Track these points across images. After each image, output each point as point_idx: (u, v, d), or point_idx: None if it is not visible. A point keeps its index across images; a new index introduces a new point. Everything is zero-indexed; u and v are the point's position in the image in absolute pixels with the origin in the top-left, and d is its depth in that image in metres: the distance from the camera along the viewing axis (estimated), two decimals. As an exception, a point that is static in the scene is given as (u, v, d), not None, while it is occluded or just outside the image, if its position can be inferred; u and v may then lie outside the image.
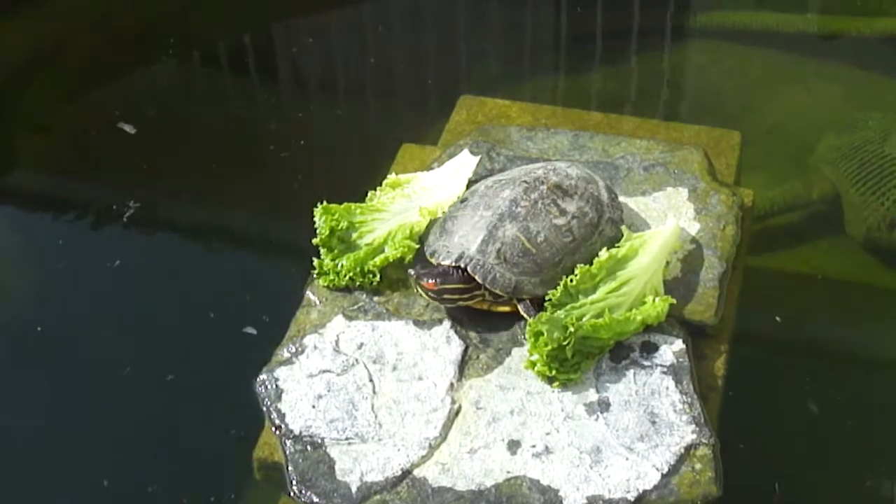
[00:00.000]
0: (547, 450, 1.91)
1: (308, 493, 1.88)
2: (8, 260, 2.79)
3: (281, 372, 2.04)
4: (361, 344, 2.07)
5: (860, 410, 2.40)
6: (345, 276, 2.14)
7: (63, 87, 3.30)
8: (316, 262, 2.14)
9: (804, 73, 3.30)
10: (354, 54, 3.39)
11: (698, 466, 1.89)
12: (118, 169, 3.00)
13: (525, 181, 2.12)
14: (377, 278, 2.14)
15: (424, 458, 1.91)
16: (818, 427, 2.33)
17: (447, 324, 2.09)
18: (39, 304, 2.65)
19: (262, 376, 2.04)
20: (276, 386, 2.01)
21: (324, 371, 2.03)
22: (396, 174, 2.31)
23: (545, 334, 1.97)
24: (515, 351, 2.05)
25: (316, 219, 2.15)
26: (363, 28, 3.44)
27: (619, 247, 2.11)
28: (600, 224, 2.13)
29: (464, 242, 2.07)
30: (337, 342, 2.07)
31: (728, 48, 3.34)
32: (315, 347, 2.07)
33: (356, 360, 2.04)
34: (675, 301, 2.07)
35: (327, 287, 2.15)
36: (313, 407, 1.98)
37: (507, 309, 2.09)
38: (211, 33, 3.50)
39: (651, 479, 1.87)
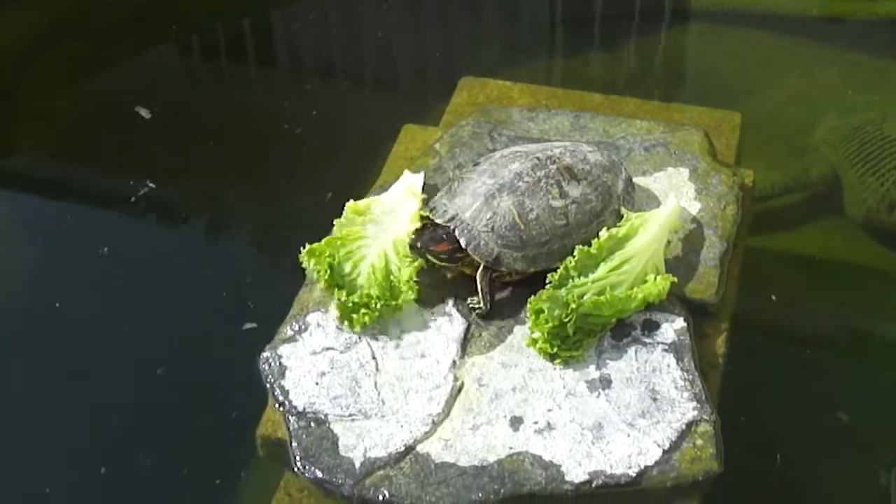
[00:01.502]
0: (549, 426, 1.92)
1: (312, 469, 1.89)
2: (11, 243, 2.79)
3: (284, 349, 2.05)
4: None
5: (858, 388, 2.42)
6: (375, 309, 2.05)
7: (65, 72, 3.29)
8: (337, 307, 2.05)
9: (804, 56, 3.31)
10: (356, 36, 3.39)
11: (699, 443, 1.90)
12: (121, 153, 2.99)
13: (537, 157, 2.14)
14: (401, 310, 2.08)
15: (427, 435, 1.92)
16: (817, 405, 2.34)
17: (450, 302, 2.10)
18: (43, 287, 2.65)
19: (266, 353, 2.05)
20: (280, 363, 2.03)
21: (327, 348, 2.04)
22: (400, 154, 2.33)
23: (546, 311, 1.98)
24: (517, 329, 2.06)
25: (304, 264, 2.11)
26: (365, 10, 3.44)
27: (619, 226, 2.12)
28: (602, 214, 2.13)
29: (461, 205, 2.09)
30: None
31: (728, 31, 3.35)
32: (318, 325, 2.08)
33: (359, 337, 2.06)
34: (676, 279, 2.08)
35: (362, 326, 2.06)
36: (317, 384, 1.99)
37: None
38: (212, 17, 3.50)
39: (652, 455, 1.88)
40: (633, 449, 1.89)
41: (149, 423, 2.30)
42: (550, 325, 1.98)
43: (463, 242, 2.07)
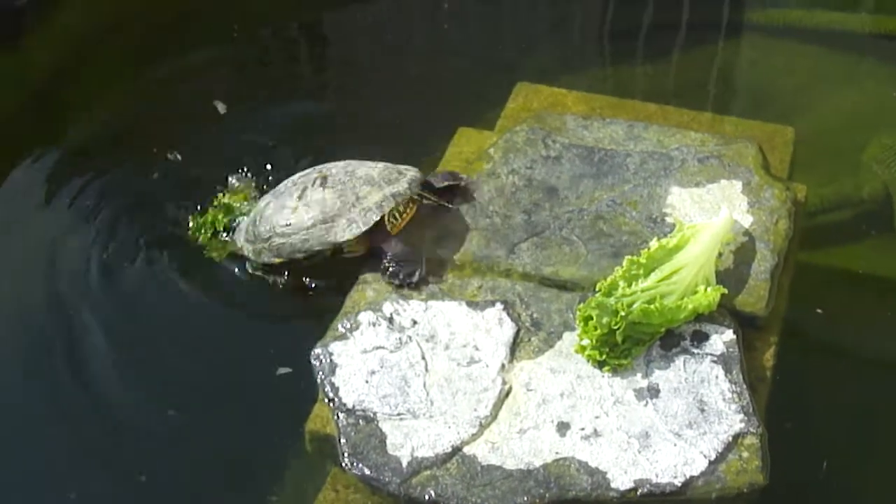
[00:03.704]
0: (595, 433, 1.93)
1: (359, 466, 1.91)
2: (63, 233, 2.80)
3: (335, 346, 2.07)
4: (415, 322, 2.10)
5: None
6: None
7: (128, 64, 3.29)
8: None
9: (857, 73, 3.28)
10: (413, 37, 3.39)
11: (745, 455, 1.91)
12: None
13: (320, 169, 2.31)
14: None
15: (474, 437, 1.93)
16: (864, 419, 2.33)
17: (500, 306, 2.12)
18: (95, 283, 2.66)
19: (317, 350, 2.07)
20: (331, 360, 2.05)
21: (377, 347, 2.06)
22: (454, 156, 2.40)
23: (595, 318, 2.00)
24: (567, 335, 2.08)
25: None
26: (421, 13, 3.44)
27: (671, 236, 2.14)
28: (334, 220, 2.20)
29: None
30: (391, 319, 2.10)
31: (782, 45, 3.33)
32: (370, 324, 2.10)
33: (409, 337, 2.08)
34: (726, 291, 2.09)
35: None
36: (366, 382, 2.01)
37: None
38: (267, 15, 3.50)
39: (698, 466, 1.89)
40: (679, 459, 1.90)
41: (196, 419, 2.30)
42: (599, 332, 1.99)
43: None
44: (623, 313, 1.99)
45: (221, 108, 3.02)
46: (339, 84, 3.20)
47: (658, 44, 3.35)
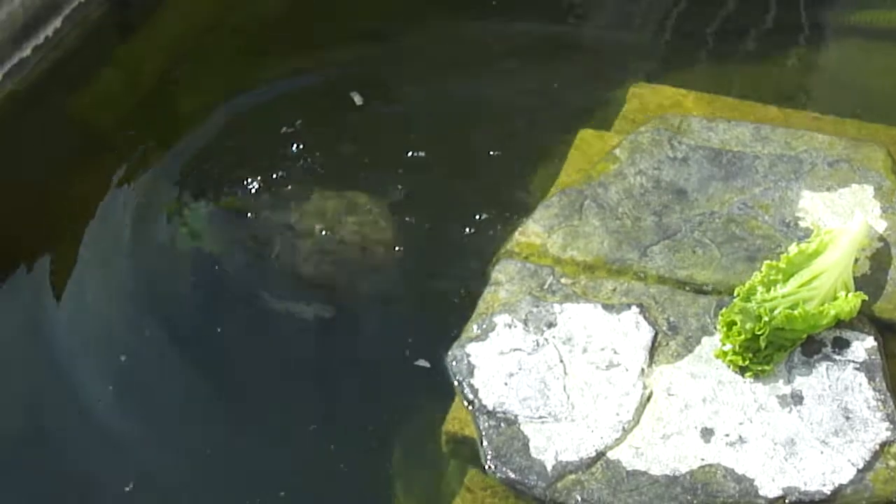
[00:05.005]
0: (741, 439, 1.91)
1: (504, 469, 1.90)
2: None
3: (472, 348, 2.06)
4: (551, 324, 2.09)
5: None
6: None
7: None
8: None
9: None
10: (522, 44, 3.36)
11: (893, 464, 1.88)
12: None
13: None
14: None
15: (618, 441, 1.92)
16: None
17: (635, 309, 2.10)
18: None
19: (454, 351, 2.06)
20: (468, 362, 2.04)
21: (515, 349, 2.05)
22: (578, 158, 2.38)
23: (738, 324, 1.98)
24: (705, 339, 2.06)
25: None
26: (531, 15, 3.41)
27: (810, 241, 2.11)
28: None
29: None
30: (526, 321, 2.09)
31: (884, 46, 3.29)
32: (505, 326, 2.09)
33: (546, 340, 2.06)
34: (867, 297, 2.06)
35: None
36: (505, 384, 2.00)
37: None
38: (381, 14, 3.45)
39: (846, 474, 1.87)
40: (826, 467, 1.87)
41: (327, 418, 2.31)
42: (743, 337, 1.97)
43: None
44: (767, 319, 1.97)
45: (358, 99, 3.00)
46: (450, 89, 3.14)
47: (762, 45, 3.31)
